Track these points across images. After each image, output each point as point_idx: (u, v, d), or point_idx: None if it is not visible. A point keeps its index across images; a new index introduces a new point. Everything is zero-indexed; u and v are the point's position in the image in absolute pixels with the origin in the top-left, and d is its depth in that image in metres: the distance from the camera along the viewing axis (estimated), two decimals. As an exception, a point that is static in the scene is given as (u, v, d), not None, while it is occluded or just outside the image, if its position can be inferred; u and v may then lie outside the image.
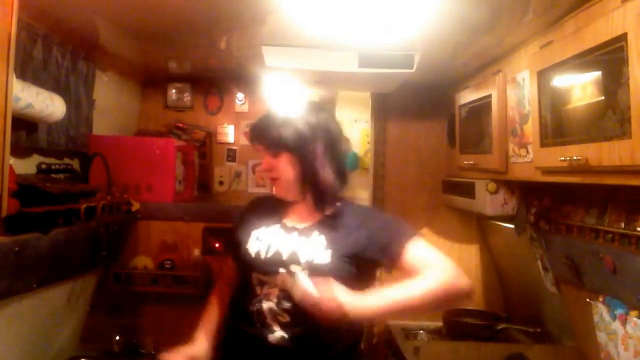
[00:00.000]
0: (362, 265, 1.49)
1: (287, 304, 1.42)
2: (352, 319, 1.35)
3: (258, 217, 1.61)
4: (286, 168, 1.53)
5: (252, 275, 1.49)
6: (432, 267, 1.43)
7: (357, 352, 1.58)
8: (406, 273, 1.45)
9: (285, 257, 1.46)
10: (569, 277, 1.98)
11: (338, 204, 1.58)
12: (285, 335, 1.42)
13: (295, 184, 1.55)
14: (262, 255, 1.49)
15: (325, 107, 1.68)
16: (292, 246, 1.48)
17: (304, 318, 1.39)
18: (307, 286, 1.33)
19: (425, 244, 1.50)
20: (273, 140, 1.52)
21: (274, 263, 1.46)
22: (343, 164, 1.59)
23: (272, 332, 1.42)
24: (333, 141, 1.56)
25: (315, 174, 1.53)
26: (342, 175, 1.58)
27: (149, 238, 2.69)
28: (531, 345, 2.39)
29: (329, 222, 1.53)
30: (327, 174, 1.54)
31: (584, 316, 1.92)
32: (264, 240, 1.53)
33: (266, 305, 1.44)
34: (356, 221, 1.53)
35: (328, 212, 1.55)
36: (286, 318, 1.43)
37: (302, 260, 1.44)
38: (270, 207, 1.63)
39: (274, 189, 1.59)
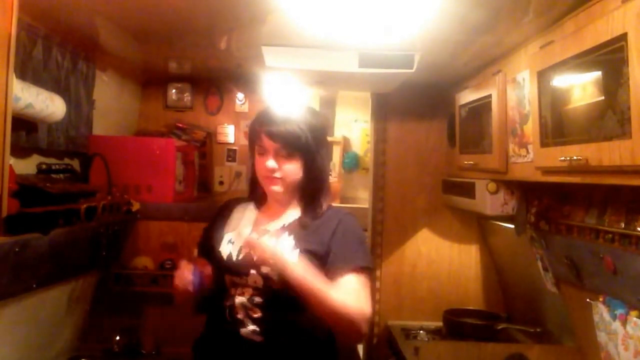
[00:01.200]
0: (326, 261, 1.50)
1: (258, 300, 1.47)
2: (276, 271, 1.40)
3: (231, 219, 1.64)
4: (295, 171, 1.53)
5: (225, 276, 1.53)
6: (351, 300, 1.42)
7: (331, 349, 1.59)
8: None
9: (255, 258, 1.46)
10: (569, 277, 1.98)
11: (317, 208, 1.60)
12: (257, 329, 1.45)
13: (296, 188, 1.57)
14: (234, 258, 1.52)
15: (320, 111, 1.70)
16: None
17: (276, 312, 1.46)
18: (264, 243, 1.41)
19: (360, 282, 1.46)
20: (291, 140, 1.50)
21: (245, 265, 1.49)
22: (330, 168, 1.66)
23: (245, 326, 1.46)
24: (330, 151, 1.62)
25: (319, 181, 1.58)
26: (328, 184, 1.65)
27: (149, 238, 2.69)
28: (531, 345, 2.39)
29: (301, 224, 1.55)
30: (327, 182, 1.62)
31: (584, 316, 1.92)
32: (235, 242, 1.55)
33: (238, 300, 1.48)
34: (327, 227, 1.54)
35: (301, 215, 1.58)
36: (258, 313, 1.46)
37: (269, 258, 1.43)
38: (243, 210, 1.65)
39: (272, 187, 1.55)
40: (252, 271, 1.48)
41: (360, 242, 1.58)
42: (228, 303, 1.50)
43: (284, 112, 1.55)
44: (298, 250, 1.48)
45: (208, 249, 1.62)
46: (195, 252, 1.73)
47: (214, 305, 1.55)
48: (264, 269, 1.45)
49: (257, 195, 1.66)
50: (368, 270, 1.50)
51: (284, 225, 1.57)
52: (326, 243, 1.50)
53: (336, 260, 1.48)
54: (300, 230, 1.54)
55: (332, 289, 1.41)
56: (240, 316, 1.48)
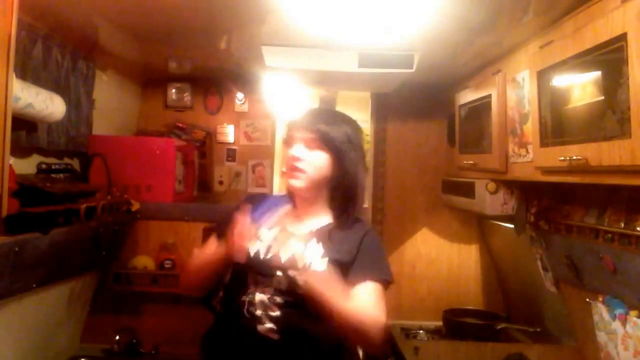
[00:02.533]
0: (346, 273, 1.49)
1: (279, 299, 1.45)
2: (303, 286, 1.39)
3: (264, 216, 1.60)
4: (320, 165, 1.51)
5: (248, 273, 1.50)
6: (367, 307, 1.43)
7: (346, 350, 1.58)
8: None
9: (283, 260, 1.45)
10: (568, 277, 1.98)
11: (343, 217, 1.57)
12: (275, 327, 1.43)
13: (318, 185, 1.54)
14: (261, 256, 1.49)
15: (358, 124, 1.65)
16: (291, 250, 1.47)
17: (295, 314, 1.44)
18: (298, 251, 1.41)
19: (377, 293, 1.46)
20: (321, 133, 1.50)
21: (273, 266, 1.46)
22: (364, 186, 1.60)
23: (262, 323, 1.44)
24: (364, 162, 1.60)
25: (351, 187, 1.54)
26: (362, 196, 1.60)
27: (148, 238, 2.69)
28: (531, 345, 2.39)
29: (328, 232, 1.53)
30: (360, 192, 1.57)
31: (583, 316, 1.93)
32: (264, 241, 1.52)
33: (259, 297, 1.46)
34: (354, 238, 1.52)
35: (332, 222, 1.55)
36: (276, 311, 1.44)
37: (300, 265, 1.43)
38: (275, 207, 1.62)
39: (291, 180, 1.53)
40: (279, 273, 1.46)
41: (384, 256, 1.58)
42: (247, 298, 1.47)
43: (323, 112, 1.60)
44: (327, 259, 1.45)
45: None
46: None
47: (229, 299, 1.53)
48: (292, 272, 1.44)
49: (289, 194, 1.63)
50: (387, 283, 1.50)
51: (311, 230, 1.54)
52: (353, 254, 1.49)
53: (359, 269, 1.47)
54: (329, 238, 1.51)
55: (349, 300, 1.40)
56: (258, 313, 1.45)
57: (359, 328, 1.39)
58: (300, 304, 1.43)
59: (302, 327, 1.45)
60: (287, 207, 1.63)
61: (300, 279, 1.41)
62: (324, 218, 1.57)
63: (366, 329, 1.39)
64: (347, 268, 1.47)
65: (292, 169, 1.51)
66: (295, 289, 1.44)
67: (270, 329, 1.44)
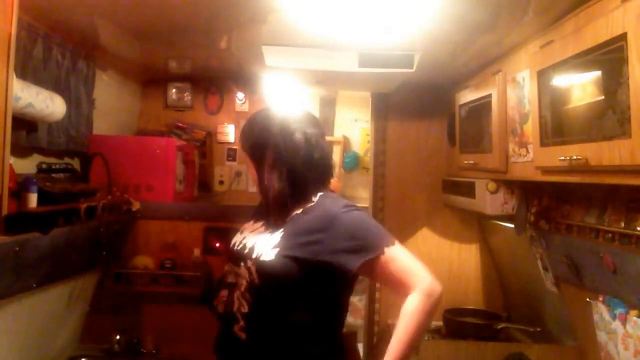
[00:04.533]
0: (310, 267, 1.39)
1: (247, 295, 1.43)
2: None
3: (255, 213, 1.65)
4: (253, 173, 1.56)
5: (228, 264, 1.54)
6: (406, 285, 1.38)
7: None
8: (379, 282, 1.50)
9: (246, 251, 1.48)
10: (569, 277, 1.98)
11: (314, 199, 1.48)
12: (245, 325, 1.42)
13: (257, 187, 1.58)
14: (234, 248, 1.53)
15: (269, 112, 1.57)
16: (254, 241, 1.50)
17: (259, 310, 1.41)
18: None
19: (399, 255, 1.40)
20: (248, 144, 1.56)
21: (239, 256, 1.49)
22: (302, 171, 1.48)
23: (237, 322, 1.43)
24: (286, 149, 1.48)
25: (262, 182, 1.52)
26: (299, 184, 1.48)
27: (149, 238, 2.70)
28: (531, 344, 2.39)
29: (295, 220, 1.46)
30: (271, 184, 1.48)
31: (584, 315, 1.93)
32: (244, 233, 1.57)
33: (236, 294, 1.45)
34: (318, 223, 1.42)
35: (299, 209, 1.47)
36: (246, 308, 1.42)
37: (253, 255, 1.44)
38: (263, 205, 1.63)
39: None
40: (242, 263, 1.46)
41: (364, 224, 1.46)
42: (224, 296, 1.50)
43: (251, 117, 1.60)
44: (277, 250, 1.40)
45: None
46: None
47: (213, 301, 1.55)
48: (249, 263, 1.43)
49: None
50: (393, 243, 1.41)
51: (285, 221, 1.47)
52: (316, 246, 1.39)
53: (357, 253, 1.38)
54: (291, 229, 1.44)
55: (404, 327, 1.35)
56: (234, 310, 1.44)
57: (434, 309, 1.39)
58: (261, 298, 1.41)
59: (265, 324, 1.42)
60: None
61: (254, 268, 1.42)
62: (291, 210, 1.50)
63: (436, 303, 1.39)
64: (309, 260, 1.38)
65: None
66: (252, 280, 1.41)
67: (241, 328, 1.43)
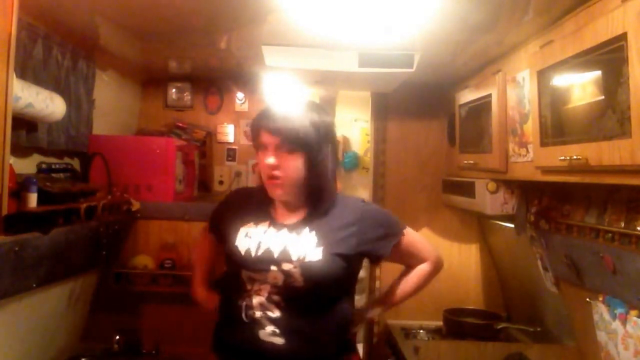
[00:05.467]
0: (352, 260, 1.49)
1: (277, 298, 1.40)
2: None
3: (245, 211, 1.56)
4: (297, 168, 1.45)
5: (241, 272, 1.45)
6: (423, 259, 1.70)
7: (350, 346, 1.59)
8: (398, 261, 1.67)
9: (276, 255, 1.43)
10: (568, 277, 1.98)
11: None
12: (277, 330, 1.39)
13: (298, 185, 1.48)
14: (253, 253, 1.44)
15: (326, 107, 1.67)
16: (283, 243, 1.45)
17: (295, 312, 1.40)
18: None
19: (413, 236, 1.67)
20: (292, 137, 1.42)
21: (265, 261, 1.42)
22: (339, 165, 1.62)
23: (263, 327, 1.39)
24: (335, 144, 1.55)
25: (322, 177, 1.50)
26: (336, 177, 1.59)
27: (149, 238, 2.69)
28: (531, 344, 2.39)
29: (319, 217, 1.49)
30: (331, 178, 1.53)
31: (584, 315, 1.93)
32: (253, 237, 1.48)
33: (256, 300, 1.41)
34: (348, 217, 1.50)
35: (316, 208, 1.51)
36: (276, 312, 1.40)
37: (294, 257, 1.41)
38: (257, 201, 1.56)
39: (271, 191, 1.49)
40: (273, 267, 1.41)
41: (385, 213, 1.65)
42: (244, 303, 1.43)
43: (285, 108, 1.49)
44: (322, 248, 1.42)
45: (221, 235, 1.62)
46: (202, 232, 1.82)
47: (226, 304, 1.51)
48: (286, 265, 1.40)
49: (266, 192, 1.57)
50: (405, 226, 1.64)
51: (300, 220, 1.50)
52: (353, 239, 1.48)
53: (380, 242, 1.54)
54: (321, 226, 1.47)
55: (409, 280, 1.68)
56: (258, 315, 1.40)
57: (434, 274, 1.72)
58: (301, 300, 1.40)
59: (305, 326, 1.41)
60: (272, 199, 1.56)
61: (296, 271, 1.39)
62: (300, 212, 1.53)
63: (437, 270, 1.73)
64: (350, 252, 1.46)
65: (271, 177, 1.46)
66: (293, 283, 1.39)
67: (272, 333, 1.39)
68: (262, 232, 1.49)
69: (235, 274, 1.47)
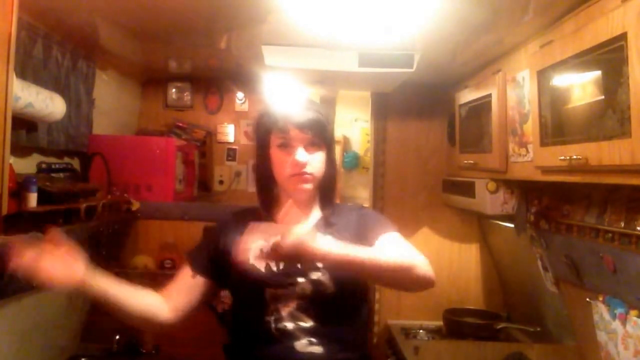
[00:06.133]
0: None
1: (307, 307, 1.31)
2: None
3: (249, 231, 1.40)
4: (322, 164, 1.41)
5: (265, 291, 1.33)
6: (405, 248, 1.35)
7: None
8: None
9: (300, 265, 1.33)
10: (568, 277, 1.98)
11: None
12: (314, 339, 1.30)
13: (318, 182, 1.42)
14: (275, 268, 1.34)
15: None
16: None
17: (329, 319, 1.32)
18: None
19: (400, 237, 1.37)
20: (320, 132, 1.39)
21: (291, 274, 1.32)
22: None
23: (298, 339, 1.30)
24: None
25: (335, 175, 1.49)
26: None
27: (149, 237, 2.69)
28: (531, 344, 2.39)
29: (327, 220, 1.44)
30: (337, 173, 1.51)
31: (583, 315, 1.93)
32: None
33: (285, 312, 1.31)
34: (349, 216, 1.46)
35: (321, 213, 1.47)
36: (309, 322, 1.31)
37: (320, 264, 1.31)
38: (258, 221, 1.43)
39: (301, 186, 1.39)
40: (300, 279, 1.31)
41: (376, 213, 1.58)
42: (272, 317, 1.32)
43: (300, 103, 1.45)
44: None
45: (219, 264, 1.42)
46: (185, 268, 1.49)
47: (250, 324, 1.36)
48: (314, 275, 1.31)
49: (269, 201, 1.47)
50: (396, 229, 1.41)
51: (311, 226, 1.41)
52: (357, 231, 1.40)
53: (370, 232, 1.38)
54: (329, 225, 1.42)
55: (381, 250, 1.30)
56: (290, 328, 1.30)
57: (408, 268, 1.24)
58: (330, 305, 1.32)
59: (340, 332, 1.34)
60: (275, 215, 1.47)
61: (325, 278, 1.30)
62: (313, 214, 1.47)
63: (417, 265, 1.24)
64: (361, 240, 1.36)
65: (300, 174, 1.37)
66: (324, 291, 1.32)
67: (309, 343, 1.30)
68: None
69: (255, 296, 1.35)
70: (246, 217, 1.46)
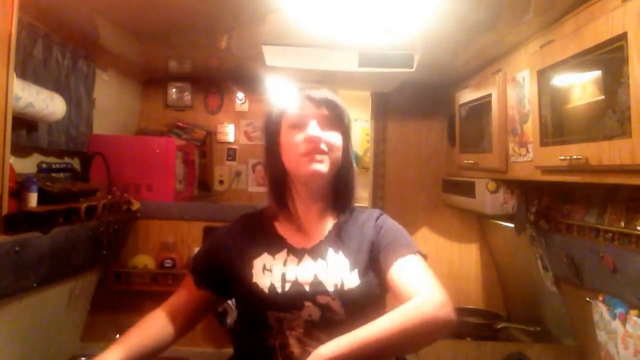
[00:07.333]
0: (380, 270, 1.26)
1: (315, 332, 1.18)
2: None
3: (254, 240, 1.32)
4: (338, 147, 1.29)
5: (267, 314, 1.21)
6: (416, 293, 1.17)
7: None
8: (390, 289, 1.25)
9: (308, 288, 1.21)
10: (568, 276, 1.98)
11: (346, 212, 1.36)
12: None
13: (334, 170, 1.30)
14: (279, 290, 1.21)
15: None
16: (312, 272, 1.24)
17: None
18: None
19: (418, 263, 1.24)
20: (337, 111, 1.31)
21: (296, 297, 1.20)
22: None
23: None
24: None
25: (352, 169, 1.35)
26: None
27: (149, 237, 2.69)
28: (531, 344, 2.39)
29: (340, 234, 1.30)
30: (355, 169, 1.37)
31: (583, 315, 1.93)
32: (274, 271, 1.24)
33: (292, 337, 1.19)
34: (366, 226, 1.33)
35: (337, 220, 1.33)
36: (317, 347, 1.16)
37: (330, 288, 1.21)
38: (263, 226, 1.35)
39: (315, 165, 1.25)
40: (307, 303, 1.19)
41: (407, 233, 1.34)
42: (277, 342, 1.19)
43: (320, 88, 1.36)
44: (356, 269, 1.23)
45: (223, 278, 1.31)
46: (196, 251, 1.47)
47: (253, 347, 1.24)
48: (322, 299, 1.19)
49: (279, 198, 1.34)
50: (424, 257, 1.28)
51: (321, 240, 1.30)
52: (375, 241, 1.28)
53: (388, 250, 1.25)
54: (346, 245, 1.28)
55: (387, 317, 1.13)
56: (297, 353, 1.18)
57: (420, 329, 1.10)
58: (341, 330, 1.14)
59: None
60: (280, 220, 1.36)
61: (335, 303, 1.18)
62: (326, 219, 1.34)
63: (429, 319, 1.10)
64: (376, 259, 1.26)
65: (313, 152, 1.24)
66: (332, 316, 1.19)
67: None
68: (282, 263, 1.26)
69: (258, 317, 1.23)
70: (252, 222, 1.38)
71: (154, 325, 1.37)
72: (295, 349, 1.19)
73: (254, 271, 1.25)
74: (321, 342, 1.14)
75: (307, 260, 1.26)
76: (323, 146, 1.25)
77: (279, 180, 1.33)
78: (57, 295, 2.13)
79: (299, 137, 1.26)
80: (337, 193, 1.34)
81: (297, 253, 1.28)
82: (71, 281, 2.21)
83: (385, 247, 1.27)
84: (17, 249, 1.62)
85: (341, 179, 1.33)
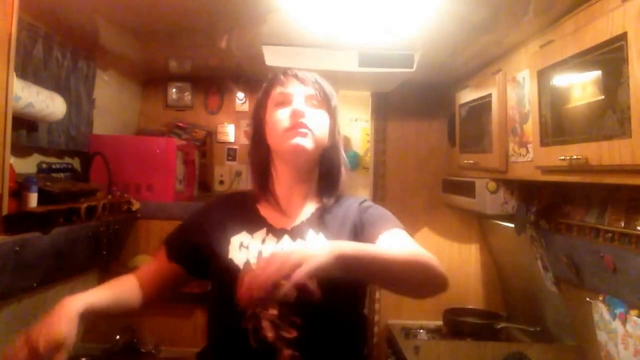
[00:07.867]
0: None
1: (291, 316, 1.15)
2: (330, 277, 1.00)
3: (231, 218, 1.29)
4: (322, 125, 1.27)
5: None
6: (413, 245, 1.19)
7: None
8: None
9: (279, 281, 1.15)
10: (569, 276, 1.98)
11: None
12: (297, 354, 1.13)
13: (317, 151, 1.28)
14: (255, 266, 1.17)
15: None
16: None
17: (314, 330, 1.16)
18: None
19: (406, 235, 1.24)
20: (321, 88, 1.31)
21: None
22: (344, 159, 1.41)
23: (280, 351, 1.13)
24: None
25: (339, 153, 1.35)
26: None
27: (149, 237, 2.69)
28: (531, 344, 2.39)
29: (322, 217, 1.29)
30: (343, 155, 1.36)
31: (584, 315, 1.93)
32: (251, 247, 1.23)
33: (265, 320, 1.15)
34: (349, 210, 1.32)
35: (320, 204, 1.31)
36: (293, 333, 1.14)
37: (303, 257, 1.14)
38: (245, 206, 1.32)
39: (297, 139, 1.22)
40: (282, 282, 1.11)
41: (381, 208, 1.35)
42: (250, 325, 1.15)
43: (307, 70, 1.36)
44: None
45: (198, 255, 1.28)
46: (162, 252, 1.33)
47: (226, 331, 1.21)
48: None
49: (262, 178, 1.32)
50: (403, 226, 1.27)
51: (302, 221, 1.28)
52: (357, 225, 1.27)
53: (373, 227, 1.24)
54: (323, 224, 1.27)
55: (396, 248, 1.14)
56: (271, 339, 1.13)
57: (425, 271, 1.09)
58: (318, 314, 1.13)
59: (329, 345, 1.18)
60: (262, 202, 1.32)
61: (312, 282, 1.03)
62: (309, 203, 1.32)
63: (432, 262, 1.10)
64: (358, 238, 1.24)
65: (297, 126, 1.22)
66: (309, 296, 1.06)
67: (292, 356, 1.13)
68: (260, 242, 1.24)
69: (232, 297, 1.10)
70: (234, 201, 1.36)
71: (126, 289, 1.33)
72: (269, 332, 1.14)
73: (230, 247, 1.23)
74: (297, 327, 1.13)
75: (286, 239, 1.25)
76: (307, 121, 1.24)
77: (263, 161, 1.32)
78: (58, 296, 2.13)
79: (284, 113, 1.25)
80: (323, 176, 1.34)
81: (277, 233, 1.26)
82: (71, 281, 2.21)
83: (370, 224, 1.26)
84: (17, 249, 1.62)
85: (327, 162, 1.32)
